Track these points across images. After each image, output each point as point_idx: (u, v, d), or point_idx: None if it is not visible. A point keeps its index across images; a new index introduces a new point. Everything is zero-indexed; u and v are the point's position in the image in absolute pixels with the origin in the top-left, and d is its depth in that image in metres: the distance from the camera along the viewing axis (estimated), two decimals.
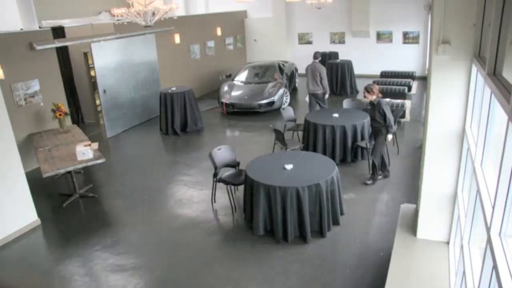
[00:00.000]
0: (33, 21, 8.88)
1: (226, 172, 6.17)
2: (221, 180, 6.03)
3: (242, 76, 12.27)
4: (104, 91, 9.68)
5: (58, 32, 8.84)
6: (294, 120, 8.67)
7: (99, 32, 9.89)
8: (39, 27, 9.03)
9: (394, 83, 11.84)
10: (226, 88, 11.62)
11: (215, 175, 6.11)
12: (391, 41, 14.61)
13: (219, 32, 14.78)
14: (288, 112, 8.80)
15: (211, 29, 14.44)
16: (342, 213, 5.50)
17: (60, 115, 7.73)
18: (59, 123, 7.85)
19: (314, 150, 7.38)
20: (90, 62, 10.53)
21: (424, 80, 13.06)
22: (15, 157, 5.78)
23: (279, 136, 7.23)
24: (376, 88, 6.29)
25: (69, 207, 6.55)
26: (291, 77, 13.09)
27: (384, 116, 6.18)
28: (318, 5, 12.78)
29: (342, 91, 12.83)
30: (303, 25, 15.90)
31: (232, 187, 6.03)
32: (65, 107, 8.13)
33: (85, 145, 6.42)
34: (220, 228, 5.64)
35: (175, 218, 6.09)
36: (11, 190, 5.73)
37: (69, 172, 6.47)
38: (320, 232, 5.30)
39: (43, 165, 6.18)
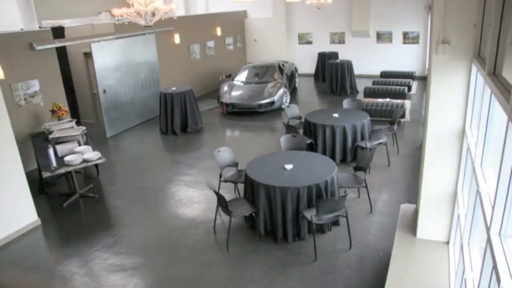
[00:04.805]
0: (33, 21, 8.89)
1: (228, 173, 6.18)
2: (228, 180, 6.08)
3: (242, 76, 12.28)
4: (104, 91, 9.69)
5: (58, 32, 8.84)
6: (299, 118, 8.69)
7: (99, 32, 9.90)
8: (39, 27, 9.03)
9: (394, 83, 11.86)
10: (226, 88, 11.63)
11: (220, 176, 6.18)
12: (391, 41, 14.62)
13: (219, 32, 14.78)
14: (292, 109, 8.85)
15: (211, 29, 14.45)
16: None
17: (62, 114, 7.72)
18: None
19: (314, 150, 7.40)
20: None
21: (424, 80, 13.07)
22: (15, 157, 5.78)
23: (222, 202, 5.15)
24: None
25: (69, 207, 6.55)
26: (291, 77, 13.11)
27: None
28: (318, 5, 12.78)
29: (342, 91, 12.84)
30: (303, 25, 15.90)
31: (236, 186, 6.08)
32: (64, 107, 8.15)
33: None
34: (220, 228, 5.64)
35: (175, 218, 6.09)
36: (11, 190, 5.73)
37: (69, 172, 6.47)
38: (320, 232, 5.32)
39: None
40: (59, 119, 7.76)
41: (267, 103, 11.05)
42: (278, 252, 5.04)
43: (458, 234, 3.78)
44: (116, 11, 6.74)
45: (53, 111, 7.82)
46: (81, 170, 7.51)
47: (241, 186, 5.99)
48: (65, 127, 7.36)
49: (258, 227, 5.24)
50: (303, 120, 8.22)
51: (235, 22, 16.14)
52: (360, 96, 12.08)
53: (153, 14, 6.85)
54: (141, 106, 10.96)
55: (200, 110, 10.67)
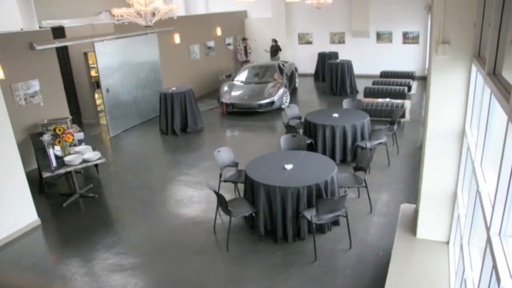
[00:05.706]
0: (33, 21, 8.89)
1: (228, 173, 6.18)
2: (228, 180, 6.07)
3: (242, 76, 12.28)
4: (108, 90, 9.69)
5: (58, 32, 8.84)
6: (299, 118, 8.69)
7: (99, 32, 9.89)
8: (39, 27, 9.03)
9: (394, 83, 11.84)
10: (226, 88, 11.63)
11: (220, 176, 6.17)
12: (391, 41, 14.62)
13: (219, 32, 14.77)
14: (292, 109, 8.85)
15: (211, 29, 14.44)
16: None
17: (68, 138, 6.46)
18: (62, 150, 6.48)
19: (314, 150, 7.40)
20: (91, 61, 10.54)
21: (424, 80, 13.07)
22: (15, 157, 5.78)
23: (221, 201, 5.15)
24: None
25: (69, 207, 6.55)
26: (291, 77, 13.10)
27: None
28: (318, 5, 12.78)
29: (342, 91, 12.83)
30: (303, 25, 15.90)
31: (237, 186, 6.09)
32: (70, 129, 7.17)
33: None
34: (220, 228, 5.64)
35: (175, 218, 6.09)
36: (11, 190, 5.73)
37: (69, 172, 6.46)
38: (320, 232, 5.32)
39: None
40: (63, 146, 6.44)
41: (267, 103, 11.05)
42: (278, 252, 5.03)
43: (458, 234, 3.78)
44: (116, 11, 6.74)
45: (55, 136, 6.55)
46: (81, 170, 7.51)
47: (241, 186, 5.98)
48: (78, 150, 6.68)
49: (258, 227, 5.24)
50: (303, 120, 8.22)
51: (235, 22, 16.13)
52: (360, 96, 12.07)
53: (153, 14, 6.84)
54: (143, 105, 10.96)
55: (200, 110, 10.66)
